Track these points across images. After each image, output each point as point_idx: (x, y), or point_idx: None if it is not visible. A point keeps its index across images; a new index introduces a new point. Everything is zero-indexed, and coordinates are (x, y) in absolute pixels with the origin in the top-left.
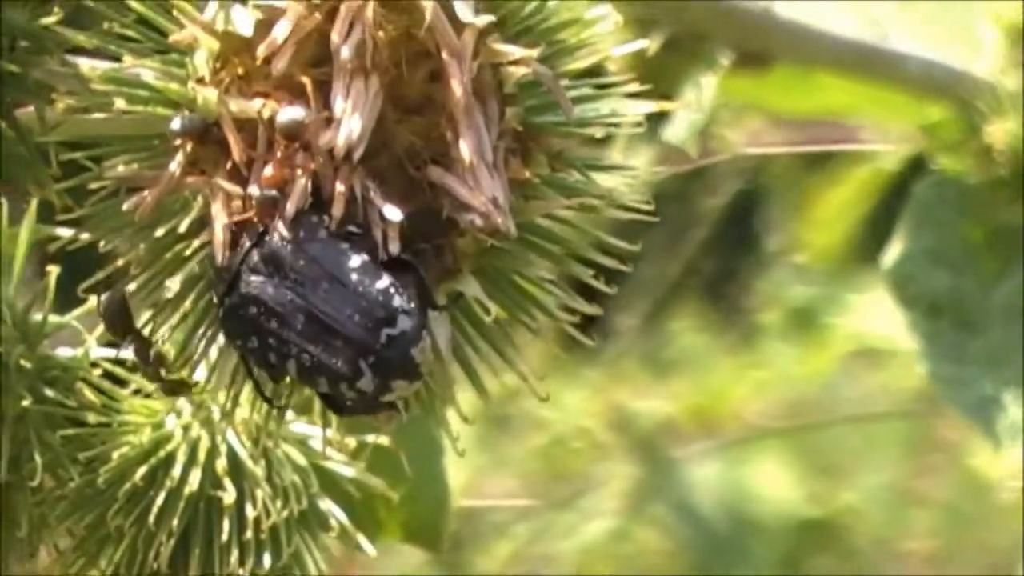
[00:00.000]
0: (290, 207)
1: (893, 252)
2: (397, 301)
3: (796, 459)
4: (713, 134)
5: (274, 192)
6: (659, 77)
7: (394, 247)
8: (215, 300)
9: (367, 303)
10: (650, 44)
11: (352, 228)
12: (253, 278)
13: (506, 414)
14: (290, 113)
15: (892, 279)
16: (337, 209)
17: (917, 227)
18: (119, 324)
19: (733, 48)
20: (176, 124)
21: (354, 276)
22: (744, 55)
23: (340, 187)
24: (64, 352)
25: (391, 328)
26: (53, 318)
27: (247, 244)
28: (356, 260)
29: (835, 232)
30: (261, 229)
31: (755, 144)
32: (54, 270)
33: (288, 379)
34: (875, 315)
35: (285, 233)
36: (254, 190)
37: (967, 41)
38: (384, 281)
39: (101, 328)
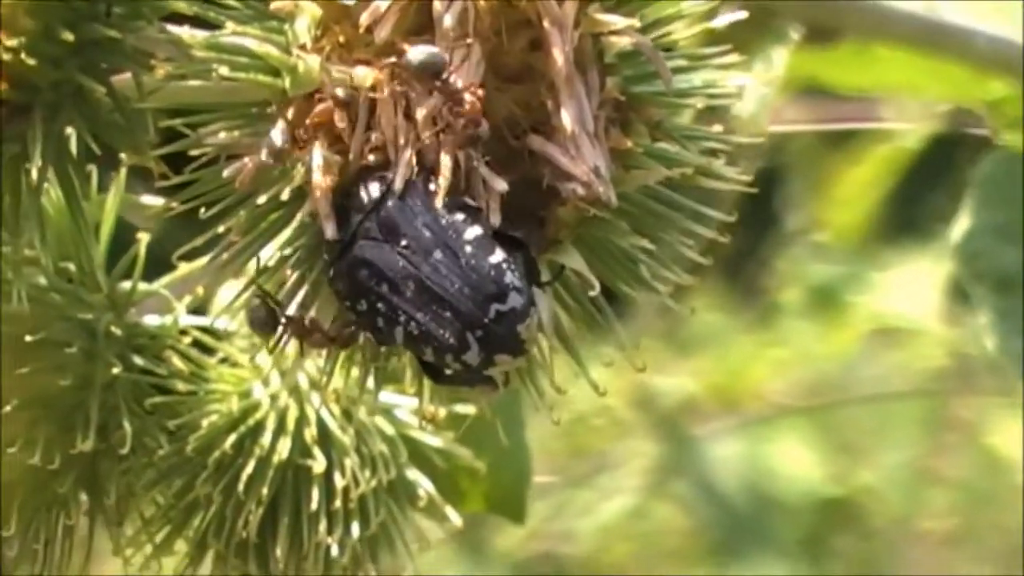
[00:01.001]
0: (398, 180)
1: (959, 228)
2: (509, 277)
3: (816, 437)
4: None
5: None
6: (730, 49)
7: (495, 218)
8: (326, 260)
9: (479, 277)
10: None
11: (469, 200)
12: (367, 241)
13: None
14: (422, 52)
15: (959, 255)
16: (445, 177)
17: (983, 203)
18: (268, 327)
19: (803, 22)
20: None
21: (468, 248)
22: (813, 29)
23: (446, 157)
24: (152, 320)
25: (501, 304)
26: (142, 285)
27: (365, 208)
28: (471, 232)
29: (856, 210)
30: (378, 195)
31: (776, 122)
32: (144, 236)
33: (393, 345)
34: (895, 294)
35: (401, 200)
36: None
37: (1012, 18)
38: (497, 256)
39: (189, 296)
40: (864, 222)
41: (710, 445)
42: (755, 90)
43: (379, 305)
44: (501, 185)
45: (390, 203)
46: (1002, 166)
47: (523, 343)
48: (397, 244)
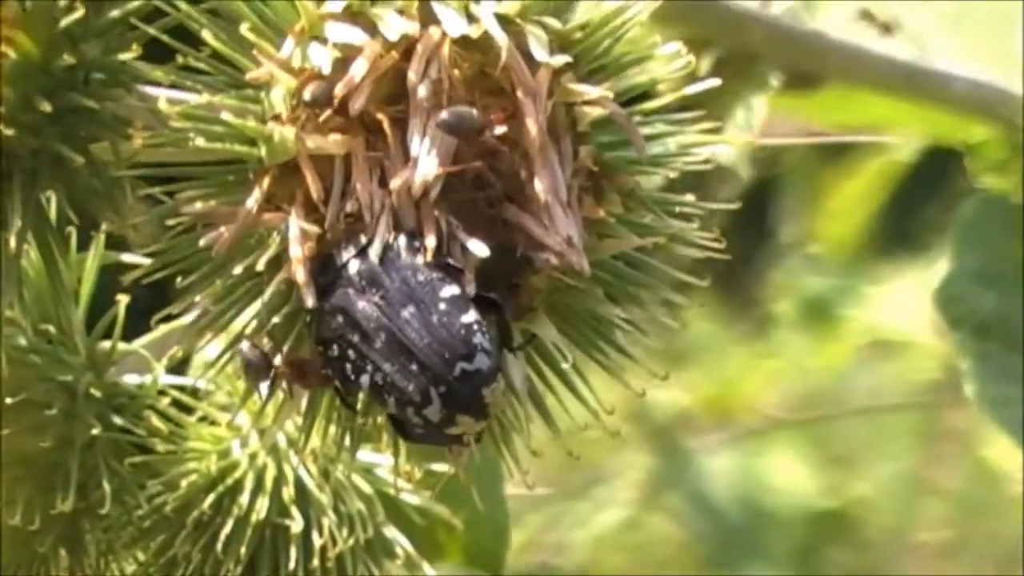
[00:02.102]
0: (375, 246)
1: (939, 272)
2: (478, 339)
3: (810, 450)
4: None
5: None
6: (710, 97)
7: (471, 288)
8: (306, 305)
9: (448, 334)
10: (702, 64)
11: (450, 261)
12: (344, 290)
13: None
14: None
15: (939, 300)
16: (430, 240)
17: (964, 247)
18: (262, 372)
19: (783, 68)
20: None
21: (442, 306)
22: (794, 75)
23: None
24: (132, 379)
25: (468, 364)
26: (121, 345)
27: (346, 256)
28: (447, 291)
29: (849, 223)
30: (362, 244)
31: (770, 134)
32: (123, 298)
33: (359, 397)
34: (889, 306)
35: (381, 253)
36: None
37: (1004, 57)
38: (470, 316)
39: (168, 355)
40: (858, 234)
41: (704, 458)
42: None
43: (349, 352)
44: (482, 250)
45: (370, 258)
46: (982, 209)
47: (486, 406)
48: (373, 295)
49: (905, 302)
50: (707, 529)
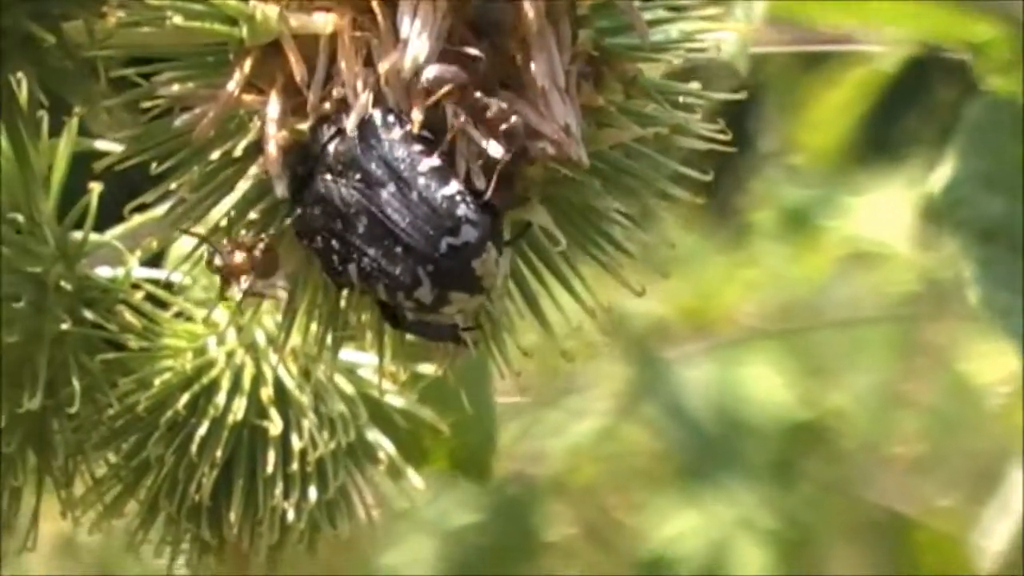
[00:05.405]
0: (351, 122)
1: (941, 176)
2: (462, 210)
3: (787, 361)
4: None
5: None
6: None
7: (481, 183)
8: (277, 194)
9: (430, 209)
10: None
11: (425, 132)
12: (323, 177)
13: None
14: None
15: (941, 203)
16: (416, 113)
17: (969, 150)
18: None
19: None
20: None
21: (422, 180)
22: None
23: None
24: (104, 272)
25: (453, 238)
26: (94, 236)
27: (321, 145)
28: (426, 164)
29: (830, 133)
30: (336, 129)
31: (751, 44)
32: (96, 187)
33: (349, 284)
34: (868, 218)
35: (356, 132)
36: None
37: None
38: (452, 188)
39: (142, 246)
40: (838, 145)
41: (680, 368)
42: (734, 32)
43: (333, 242)
44: (496, 150)
45: (346, 138)
46: (988, 112)
47: (478, 279)
48: (352, 178)
49: (885, 213)
50: (683, 439)
